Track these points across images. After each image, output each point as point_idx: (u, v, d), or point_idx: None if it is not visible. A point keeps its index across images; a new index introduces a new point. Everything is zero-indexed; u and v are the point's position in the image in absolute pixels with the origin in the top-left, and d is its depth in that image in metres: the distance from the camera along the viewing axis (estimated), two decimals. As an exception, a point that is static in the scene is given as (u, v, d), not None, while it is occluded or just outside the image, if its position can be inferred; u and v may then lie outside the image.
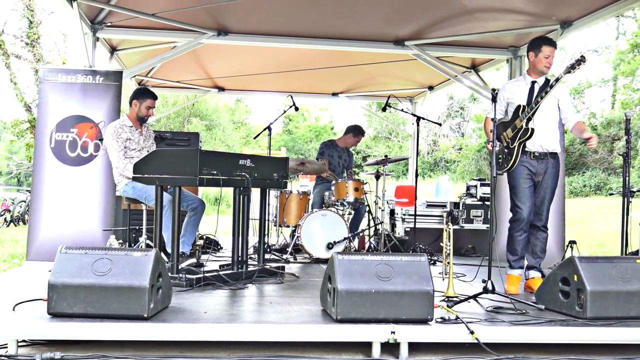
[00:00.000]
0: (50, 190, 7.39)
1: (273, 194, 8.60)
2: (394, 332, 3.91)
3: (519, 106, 5.56)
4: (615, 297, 4.39)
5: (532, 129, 5.46)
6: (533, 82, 5.61)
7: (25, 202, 18.26)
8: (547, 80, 5.58)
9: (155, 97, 6.71)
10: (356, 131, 9.32)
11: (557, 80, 5.41)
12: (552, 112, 5.60)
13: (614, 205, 18.61)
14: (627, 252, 6.34)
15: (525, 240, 5.70)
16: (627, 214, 6.22)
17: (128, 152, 6.45)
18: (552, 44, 5.63)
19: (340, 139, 9.38)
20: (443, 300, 4.92)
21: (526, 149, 5.59)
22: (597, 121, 29.65)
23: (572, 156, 27.93)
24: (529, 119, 5.50)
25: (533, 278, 5.67)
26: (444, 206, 9.62)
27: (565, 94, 5.67)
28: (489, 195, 9.06)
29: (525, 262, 5.80)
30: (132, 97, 6.66)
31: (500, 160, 5.66)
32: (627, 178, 6.22)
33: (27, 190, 19.06)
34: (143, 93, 6.69)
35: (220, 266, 6.03)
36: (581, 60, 5.20)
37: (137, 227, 7.44)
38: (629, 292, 4.42)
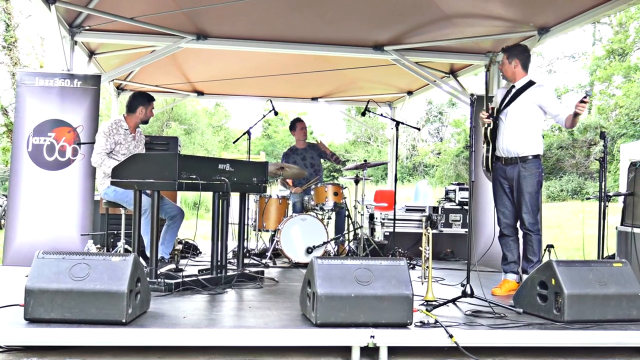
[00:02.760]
0: (28, 194, 7.32)
1: (252, 198, 8.58)
2: (373, 337, 3.92)
3: None
4: (592, 300, 4.44)
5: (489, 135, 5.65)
6: (512, 87, 5.74)
7: (1, 206, 18.05)
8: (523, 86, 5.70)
9: (154, 99, 6.98)
10: (290, 127, 9.51)
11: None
12: (525, 117, 5.68)
13: (591, 210, 18.75)
14: (604, 256, 6.40)
15: (510, 244, 5.89)
16: (604, 218, 6.29)
17: (113, 154, 6.46)
18: (504, 50, 5.96)
19: (296, 141, 9.42)
20: (422, 304, 4.95)
21: (497, 155, 5.81)
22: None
23: (550, 161, 28.15)
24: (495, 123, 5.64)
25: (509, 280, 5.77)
26: (423, 210, 9.66)
27: (546, 97, 5.70)
28: (467, 200, 9.13)
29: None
30: (137, 104, 6.79)
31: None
32: (603, 182, 6.29)
33: (3, 195, 18.86)
34: (146, 98, 6.88)
35: (199, 271, 6.01)
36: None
37: (115, 232, 7.39)
38: (605, 296, 4.47)
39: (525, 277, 5.73)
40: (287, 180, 8.84)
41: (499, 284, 5.82)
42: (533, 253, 5.78)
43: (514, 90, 5.76)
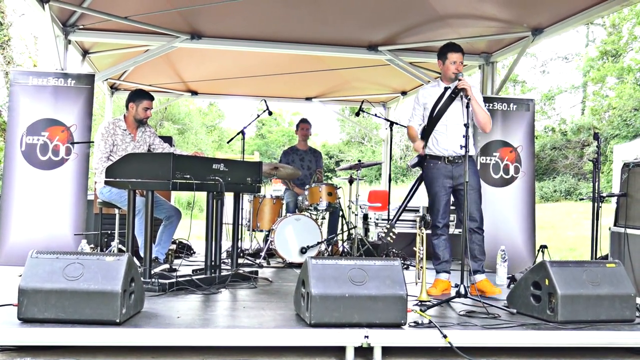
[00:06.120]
0: (21, 194, 7.31)
1: (246, 198, 8.58)
2: (367, 337, 3.92)
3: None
4: (586, 300, 4.45)
5: None
6: (446, 88, 5.79)
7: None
8: (455, 87, 5.68)
9: (151, 98, 6.64)
10: (296, 126, 9.53)
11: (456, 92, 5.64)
12: (460, 117, 5.61)
13: (584, 210, 18.82)
14: (597, 257, 6.42)
15: (444, 243, 5.86)
16: (597, 219, 6.32)
17: (110, 156, 6.36)
18: (458, 49, 5.84)
19: (298, 141, 9.44)
20: (416, 304, 4.95)
21: (439, 154, 5.75)
22: (568, 127, 30.01)
23: (543, 162, 28.21)
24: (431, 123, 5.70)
25: (480, 281, 5.74)
26: (417, 211, 9.65)
27: (477, 97, 5.70)
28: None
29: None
30: (128, 99, 6.59)
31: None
32: (597, 183, 6.31)
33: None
34: (139, 94, 6.61)
35: (193, 271, 6.00)
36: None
37: (109, 232, 7.37)
38: (598, 296, 4.48)
39: (479, 276, 5.74)
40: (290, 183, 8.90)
41: (433, 284, 5.83)
42: (482, 252, 5.80)
43: (449, 91, 5.73)
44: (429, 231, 5.72)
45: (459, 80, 5.54)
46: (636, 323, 4.53)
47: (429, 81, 9.92)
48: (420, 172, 6.05)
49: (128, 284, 4.09)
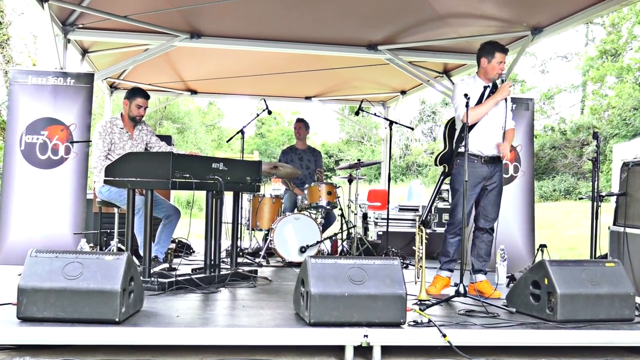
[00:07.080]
0: (20, 193, 7.30)
1: (246, 197, 8.58)
2: (366, 336, 3.92)
3: None
4: (585, 300, 4.46)
5: None
6: (485, 87, 5.67)
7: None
8: (495, 86, 5.65)
9: (146, 96, 6.62)
10: (294, 128, 9.51)
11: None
12: (500, 117, 5.64)
13: (584, 210, 18.82)
14: (596, 256, 6.42)
15: (457, 243, 5.76)
16: (597, 218, 6.32)
17: (109, 154, 6.37)
18: (505, 50, 5.72)
19: (296, 141, 9.44)
20: (415, 303, 4.95)
21: (475, 153, 5.61)
22: (567, 126, 30.01)
23: (542, 161, 28.21)
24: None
25: (480, 282, 5.71)
26: (416, 210, 9.66)
27: (509, 100, 5.69)
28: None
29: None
30: (124, 97, 6.61)
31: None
32: (596, 182, 6.31)
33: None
34: (133, 92, 6.60)
35: (192, 270, 6.00)
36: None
37: (109, 231, 7.38)
38: (598, 295, 4.49)
39: (480, 276, 5.73)
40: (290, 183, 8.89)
41: (432, 282, 5.81)
42: (488, 253, 5.80)
43: (488, 90, 5.67)
44: (428, 230, 5.71)
45: (503, 81, 5.54)
46: (635, 322, 4.54)
47: (428, 80, 9.93)
48: (442, 169, 5.98)
49: (127, 283, 4.09)
